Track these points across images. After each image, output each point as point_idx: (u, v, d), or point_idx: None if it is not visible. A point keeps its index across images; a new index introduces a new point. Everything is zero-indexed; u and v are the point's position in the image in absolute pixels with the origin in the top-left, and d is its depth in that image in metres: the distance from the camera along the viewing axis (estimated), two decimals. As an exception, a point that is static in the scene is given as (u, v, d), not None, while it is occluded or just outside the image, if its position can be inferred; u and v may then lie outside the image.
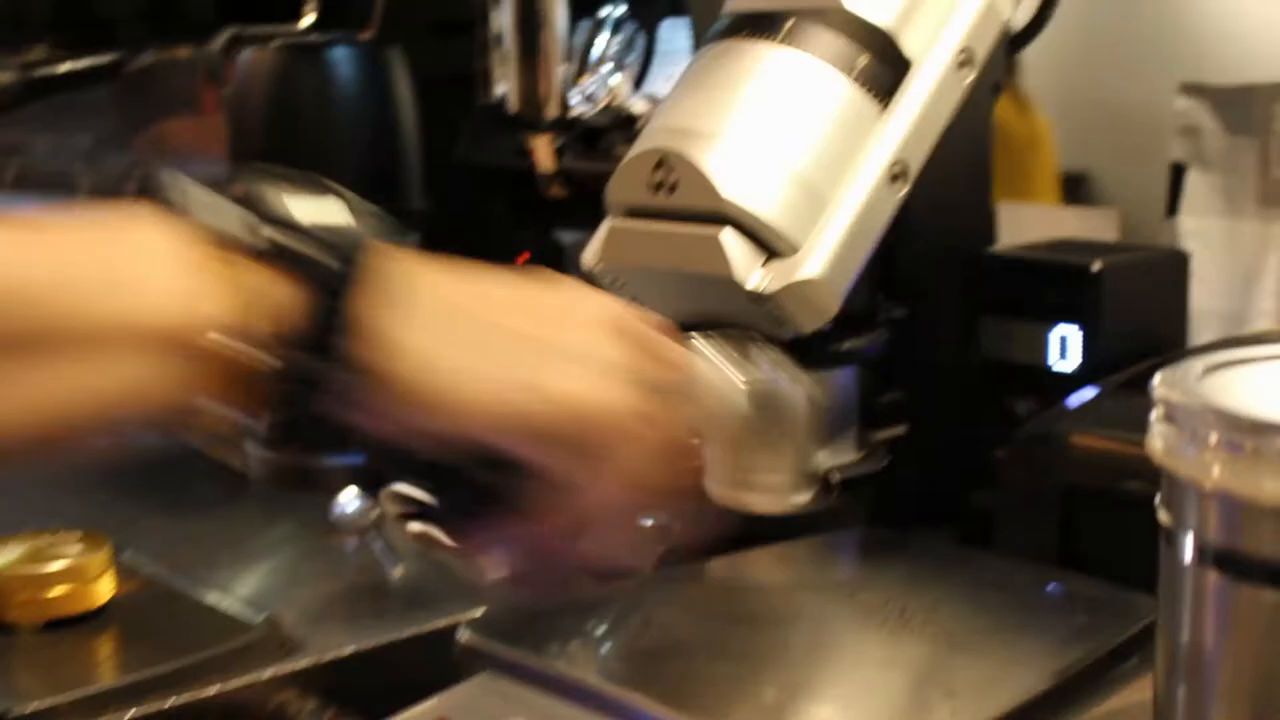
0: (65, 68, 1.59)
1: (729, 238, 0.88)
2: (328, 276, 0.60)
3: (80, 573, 1.00)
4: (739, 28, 0.94)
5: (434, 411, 0.63)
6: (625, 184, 0.94)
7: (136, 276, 0.59)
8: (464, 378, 0.63)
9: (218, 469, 1.40)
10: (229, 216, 0.61)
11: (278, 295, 0.59)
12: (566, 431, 0.65)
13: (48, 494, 1.38)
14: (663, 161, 0.91)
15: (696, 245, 0.90)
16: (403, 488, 1.22)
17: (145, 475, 1.43)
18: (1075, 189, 2.31)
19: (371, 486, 1.24)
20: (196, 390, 0.60)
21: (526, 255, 1.24)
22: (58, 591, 1.00)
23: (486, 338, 0.64)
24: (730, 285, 0.89)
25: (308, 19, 1.50)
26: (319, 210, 0.62)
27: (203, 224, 0.60)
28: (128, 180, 0.66)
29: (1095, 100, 2.31)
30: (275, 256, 0.60)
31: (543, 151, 1.22)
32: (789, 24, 0.92)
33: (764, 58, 0.92)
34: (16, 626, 0.99)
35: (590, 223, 0.99)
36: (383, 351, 0.61)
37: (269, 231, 0.60)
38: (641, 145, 0.93)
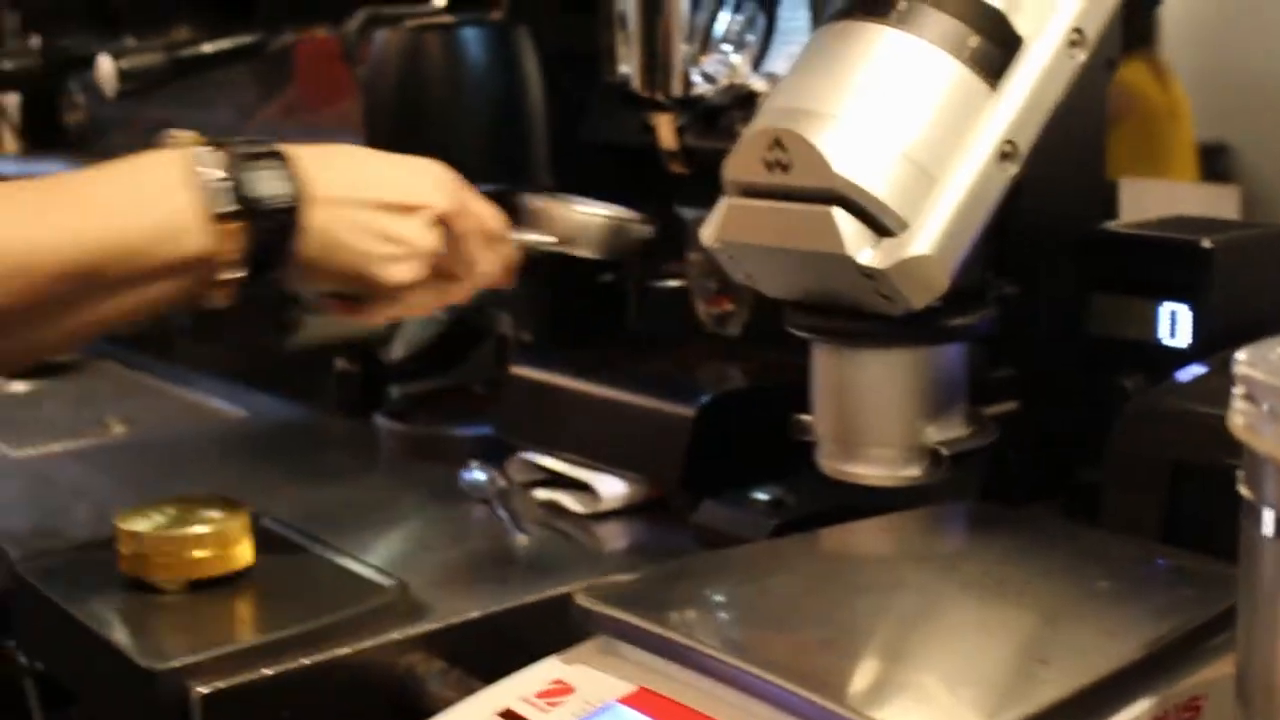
0: (209, 48, 1.64)
1: (841, 215, 0.91)
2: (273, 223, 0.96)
3: (221, 537, 1.05)
4: (854, 9, 0.96)
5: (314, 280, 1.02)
6: (741, 163, 0.96)
7: (172, 228, 0.93)
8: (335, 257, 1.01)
9: (350, 439, 1.45)
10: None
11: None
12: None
13: (191, 463, 1.44)
14: (778, 141, 0.93)
15: (809, 223, 0.92)
16: (530, 456, 1.26)
17: (281, 445, 1.48)
18: (1213, 161, 2.29)
19: (498, 456, 1.28)
20: (202, 293, 0.95)
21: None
22: (200, 554, 1.04)
23: (354, 232, 1.01)
24: (842, 262, 0.91)
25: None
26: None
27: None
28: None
29: (1236, 69, 2.29)
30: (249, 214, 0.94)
31: (665, 129, 1.25)
32: (903, 5, 0.94)
33: (878, 39, 0.94)
34: (161, 587, 1.04)
35: (710, 199, 1.02)
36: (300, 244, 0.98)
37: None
38: (757, 125, 0.95)
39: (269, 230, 0.95)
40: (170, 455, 1.46)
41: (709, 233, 1.00)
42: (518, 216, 1.19)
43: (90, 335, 0.96)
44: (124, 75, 1.59)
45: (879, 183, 0.90)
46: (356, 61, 1.50)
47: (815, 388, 1.01)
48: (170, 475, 1.38)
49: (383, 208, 1.03)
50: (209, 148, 0.96)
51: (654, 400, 1.20)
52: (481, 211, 1.10)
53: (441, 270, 1.07)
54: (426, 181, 1.06)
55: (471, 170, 1.29)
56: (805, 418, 1.03)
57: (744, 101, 1.17)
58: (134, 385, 1.76)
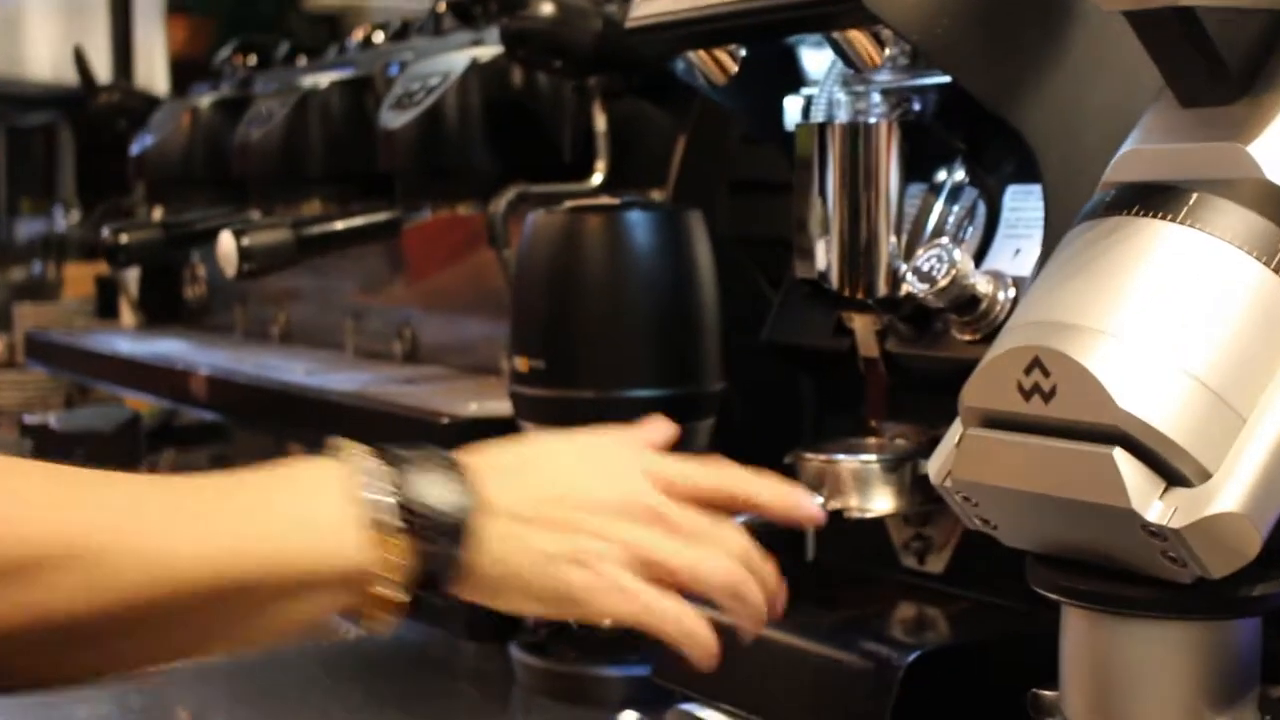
0: (341, 225, 1.50)
1: (1123, 459, 0.73)
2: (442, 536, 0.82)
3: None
4: (1127, 203, 0.79)
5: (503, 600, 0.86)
6: (987, 387, 0.78)
7: (327, 534, 0.80)
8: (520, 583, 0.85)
9: (479, 671, 1.28)
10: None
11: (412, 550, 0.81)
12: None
13: (293, 692, 1.27)
14: (1038, 362, 0.75)
15: (1079, 466, 0.74)
16: (692, 709, 1.08)
17: (398, 673, 1.31)
18: None
19: (654, 704, 1.10)
20: (362, 612, 0.82)
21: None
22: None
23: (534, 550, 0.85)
24: (1120, 516, 0.73)
25: (597, 176, 1.39)
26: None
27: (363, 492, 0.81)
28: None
29: None
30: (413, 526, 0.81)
31: (864, 332, 1.07)
32: (1192, 199, 0.76)
33: (1160, 240, 0.76)
34: None
35: (912, 414, 0.86)
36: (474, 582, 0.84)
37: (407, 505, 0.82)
38: (1009, 342, 0.78)
39: (437, 545, 0.82)
40: (268, 681, 1.29)
41: (938, 468, 0.83)
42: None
43: (234, 648, 0.90)
44: (245, 254, 1.46)
45: (1173, 421, 0.72)
46: (504, 243, 1.36)
47: (1067, 660, 0.83)
48: (269, 709, 1.21)
49: (574, 507, 0.87)
50: (376, 459, 0.83)
51: (847, 652, 1.01)
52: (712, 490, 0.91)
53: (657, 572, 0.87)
54: (632, 483, 0.89)
55: (635, 370, 1.13)
56: (1048, 694, 0.84)
57: (965, 305, 0.99)
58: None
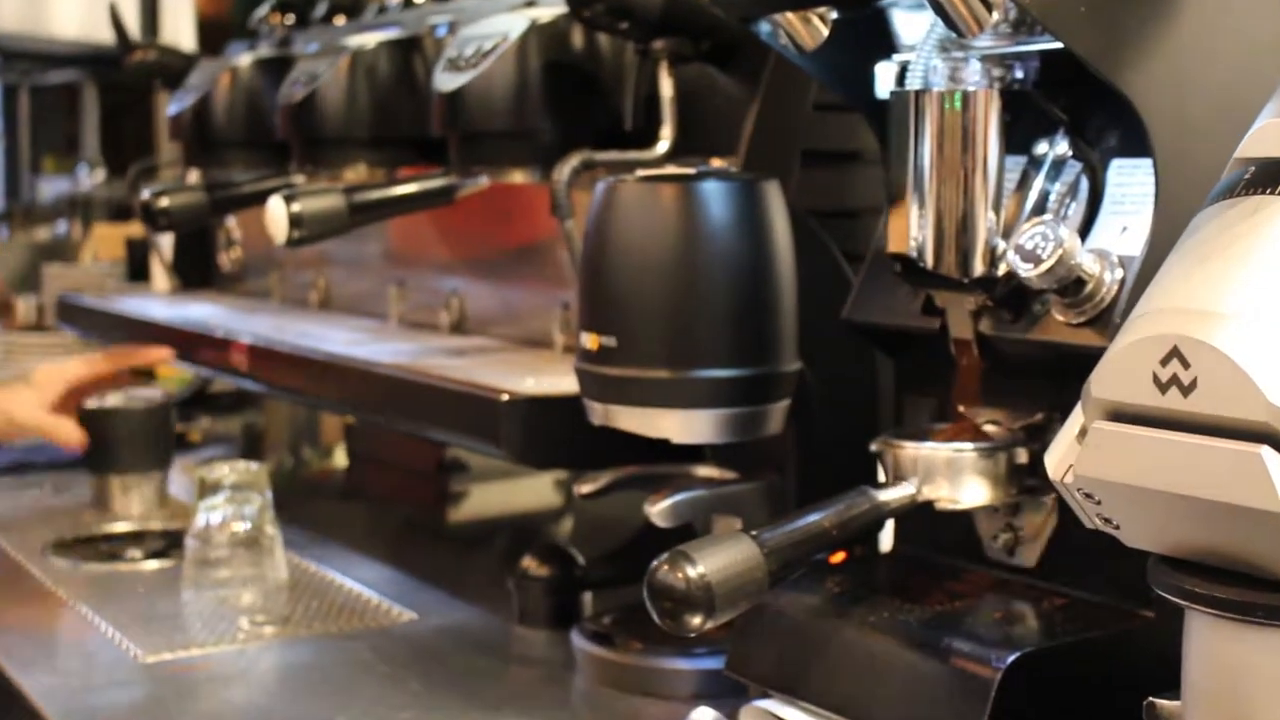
0: (398, 192, 1.44)
1: (1273, 459, 0.67)
2: None
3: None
4: (1270, 180, 0.73)
5: None
6: (1118, 377, 0.73)
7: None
8: None
9: (541, 659, 1.23)
10: None
11: None
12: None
13: (350, 681, 1.21)
14: (1176, 352, 0.70)
15: (1221, 465, 0.69)
16: (770, 705, 1.03)
17: (457, 661, 1.26)
18: None
19: (728, 698, 1.05)
20: None
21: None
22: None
23: None
24: (1267, 520, 0.67)
25: (663, 144, 1.33)
26: None
27: None
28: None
29: None
30: None
31: (958, 312, 1.02)
32: (1344, 176, 0.71)
33: (1309, 220, 0.70)
34: None
35: (1004, 400, 0.80)
36: None
37: None
38: (1143, 329, 0.72)
39: None
40: (325, 669, 1.23)
41: (1056, 462, 0.77)
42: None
43: None
44: (296, 220, 1.40)
45: (1330, 418, 0.66)
46: (568, 213, 1.30)
47: (1193, 670, 0.77)
48: (325, 696, 1.15)
49: None
50: None
51: (939, 653, 0.96)
52: None
53: None
54: None
55: (710, 350, 1.08)
56: (1168, 703, 0.79)
57: (1071, 287, 0.94)
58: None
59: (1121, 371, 0.73)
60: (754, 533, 0.93)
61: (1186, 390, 0.70)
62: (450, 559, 1.60)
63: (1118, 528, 0.77)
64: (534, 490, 1.87)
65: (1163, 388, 0.71)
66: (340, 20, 1.96)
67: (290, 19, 2.06)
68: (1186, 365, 0.70)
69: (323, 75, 1.67)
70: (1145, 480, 0.73)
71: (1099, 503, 0.77)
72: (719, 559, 0.91)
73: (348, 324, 1.82)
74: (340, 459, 2.16)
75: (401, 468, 1.97)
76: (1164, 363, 0.71)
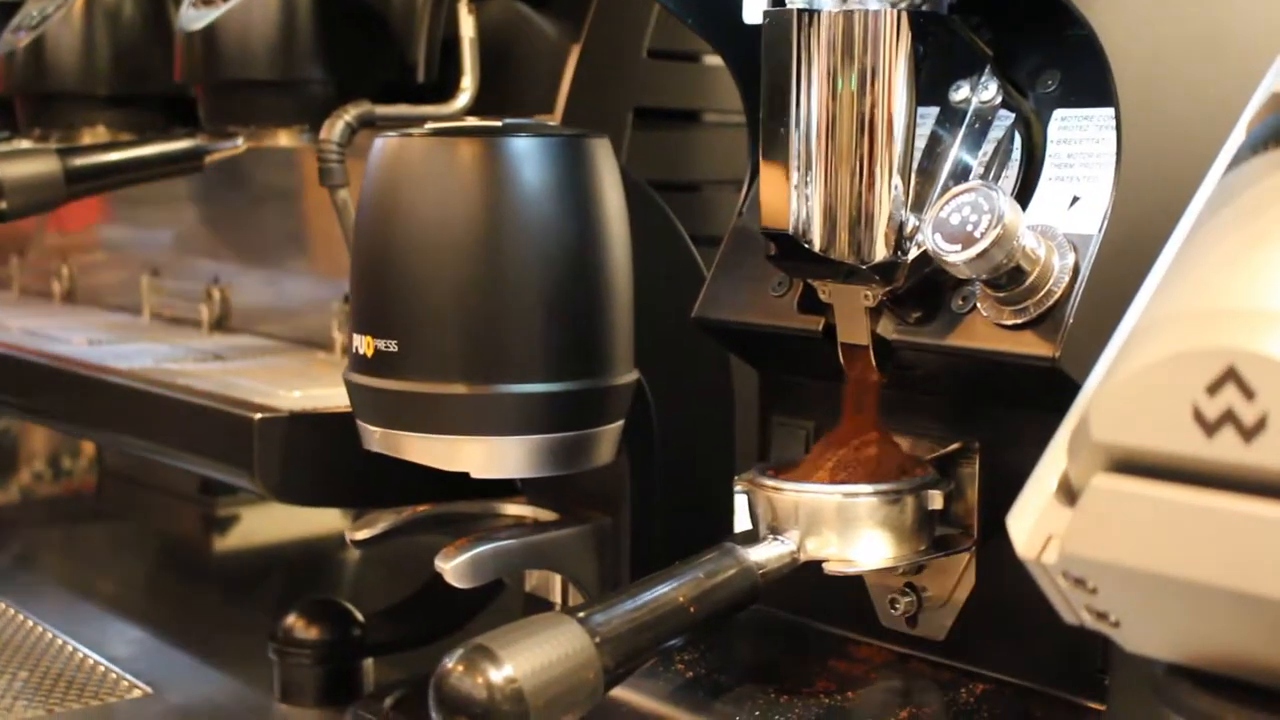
0: (120, 155, 1.17)
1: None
2: None
3: None
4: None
5: None
6: (1133, 414, 0.49)
7: None
8: None
9: None
10: None
11: None
12: None
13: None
14: (1233, 375, 0.46)
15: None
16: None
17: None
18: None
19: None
20: None
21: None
22: None
23: None
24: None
25: (463, 97, 1.07)
26: None
27: None
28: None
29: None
30: None
31: (849, 309, 0.77)
32: None
33: None
34: None
35: (909, 425, 0.61)
36: None
37: None
38: (1171, 340, 0.48)
39: None
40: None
41: (1029, 533, 0.53)
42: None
43: None
44: (6, 189, 1.12)
45: None
46: (340, 180, 1.04)
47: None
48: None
49: None
50: None
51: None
52: None
53: None
54: None
55: (521, 358, 0.82)
56: None
57: (1007, 276, 0.70)
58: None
59: (1138, 403, 0.49)
60: (581, 614, 0.68)
61: (1250, 433, 0.46)
62: (206, 609, 1.32)
63: (1117, 625, 0.53)
64: (318, 516, 1.59)
65: (1210, 428, 0.47)
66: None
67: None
68: (1250, 395, 0.46)
69: (51, 18, 1.38)
70: (1177, 566, 0.49)
71: (1093, 591, 0.53)
72: (534, 656, 0.65)
73: (94, 319, 1.56)
74: (93, 476, 1.86)
75: (159, 487, 1.69)
76: (1212, 391, 0.47)
